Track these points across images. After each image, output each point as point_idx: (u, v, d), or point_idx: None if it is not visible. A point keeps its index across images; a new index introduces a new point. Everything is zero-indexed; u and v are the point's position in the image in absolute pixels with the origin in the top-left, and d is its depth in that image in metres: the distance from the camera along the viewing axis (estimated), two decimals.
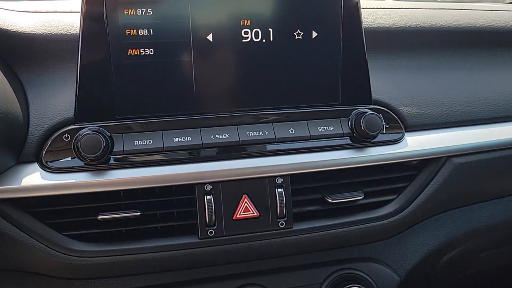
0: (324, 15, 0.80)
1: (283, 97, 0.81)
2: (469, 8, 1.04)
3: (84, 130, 0.72)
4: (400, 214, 0.88)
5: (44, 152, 0.73)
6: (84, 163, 0.73)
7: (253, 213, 0.79)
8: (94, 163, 0.72)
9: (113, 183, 0.74)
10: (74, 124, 0.74)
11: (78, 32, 0.77)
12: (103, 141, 0.71)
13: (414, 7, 1.00)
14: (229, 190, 0.78)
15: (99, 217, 0.74)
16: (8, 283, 0.79)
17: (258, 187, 0.79)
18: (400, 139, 0.86)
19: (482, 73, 0.99)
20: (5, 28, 0.76)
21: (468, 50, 1.00)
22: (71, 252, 0.74)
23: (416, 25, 0.95)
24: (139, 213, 0.75)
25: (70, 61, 0.79)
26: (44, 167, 0.73)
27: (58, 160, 0.73)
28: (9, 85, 0.73)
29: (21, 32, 0.77)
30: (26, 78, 0.78)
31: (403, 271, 0.94)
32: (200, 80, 0.77)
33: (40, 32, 0.78)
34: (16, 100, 0.73)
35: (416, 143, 0.87)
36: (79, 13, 0.75)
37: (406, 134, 0.87)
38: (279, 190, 0.79)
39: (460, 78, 0.96)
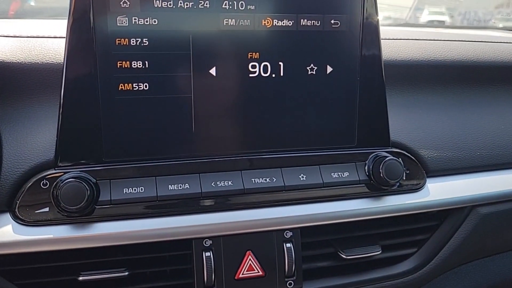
0: (341, 48, 0.72)
1: (293, 139, 0.72)
2: (492, 41, 0.97)
3: (65, 176, 0.63)
4: (421, 271, 0.79)
5: (17, 202, 0.62)
6: (64, 215, 0.62)
7: (258, 272, 0.69)
8: (75, 215, 0.62)
9: (98, 238, 0.64)
10: (54, 168, 0.64)
11: (62, 61, 0.69)
12: (88, 190, 0.61)
13: (433, 38, 0.92)
14: (231, 245, 0.68)
15: (80, 278, 0.64)
16: None
17: (264, 242, 0.69)
18: (421, 187, 0.77)
19: (506, 111, 0.91)
20: None
21: (490, 86, 0.93)
22: None
23: (436, 58, 0.88)
24: (126, 273, 0.65)
25: (52, 95, 0.69)
26: (17, 218, 0.62)
27: (34, 211, 0.62)
28: None
29: None
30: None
31: None
32: (201, 119, 0.68)
33: (18, 60, 0.69)
34: None
35: (438, 191, 0.79)
36: (64, 39, 0.66)
37: (427, 180, 0.78)
38: (288, 245, 0.70)
39: (483, 116, 0.88)
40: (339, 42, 0.71)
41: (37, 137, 0.67)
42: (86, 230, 0.63)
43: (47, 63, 0.69)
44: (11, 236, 0.61)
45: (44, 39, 0.72)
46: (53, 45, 0.71)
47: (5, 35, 0.72)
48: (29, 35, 0.73)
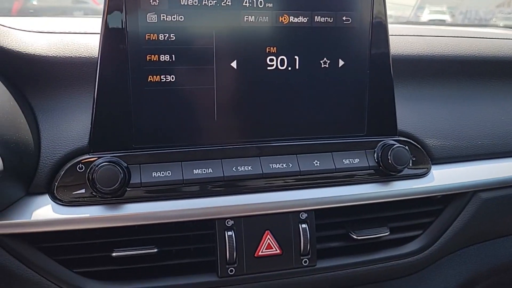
0: (352, 43, 0.77)
1: (307, 127, 0.77)
2: (493, 37, 1.02)
3: (100, 160, 0.68)
4: (426, 251, 0.84)
5: (56, 184, 0.68)
6: (99, 196, 0.68)
7: (276, 250, 0.74)
8: (109, 196, 0.68)
9: (129, 217, 0.69)
10: (88, 153, 0.69)
11: (95, 55, 0.74)
12: (121, 173, 0.67)
13: (438, 35, 0.97)
14: (251, 225, 0.74)
15: (113, 254, 0.69)
16: None
17: (281, 223, 0.75)
18: (426, 173, 0.83)
19: (506, 104, 0.96)
20: (17, 49, 0.72)
21: (491, 80, 0.98)
22: None
23: (440, 53, 0.93)
24: (155, 250, 0.70)
25: (85, 86, 0.74)
26: (55, 199, 0.68)
27: (71, 192, 0.68)
28: (20, 111, 0.69)
29: (33, 54, 0.73)
30: (37, 103, 0.73)
31: None
32: (222, 109, 0.73)
33: (54, 54, 0.74)
34: (28, 127, 0.69)
35: (442, 177, 0.84)
36: (97, 35, 0.72)
37: (432, 166, 0.84)
38: (303, 226, 0.75)
39: (484, 108, 0.94)
40: (350, 37, 0.76)
41: (72, 125, 0.72)
42: (119, 210, 0.69)
43: (80, 57, 0.75)
44: (51, 215, 0.67)
45: (76, 35, 0.78)
46: (85, 41, 0.76)
47: (41, 31, 0.77)
48: (62, 31, 0.78)
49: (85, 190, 0.68)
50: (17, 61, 0.72)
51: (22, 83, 0.73)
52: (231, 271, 0.72)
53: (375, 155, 0.79)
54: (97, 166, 0.67)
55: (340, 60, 0.77)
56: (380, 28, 0.77)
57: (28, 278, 0.67)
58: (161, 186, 0.70)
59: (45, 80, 0.74)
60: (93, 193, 0.68)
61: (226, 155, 0.74)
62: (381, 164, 0.79)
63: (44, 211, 0.67)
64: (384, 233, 0.80)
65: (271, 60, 0.74)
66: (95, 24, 0.79)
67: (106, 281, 0.70)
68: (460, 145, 0.87)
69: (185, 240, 0.73)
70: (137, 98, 0.70)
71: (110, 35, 0.67)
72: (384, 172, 0.79)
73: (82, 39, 0.77)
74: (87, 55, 0.75)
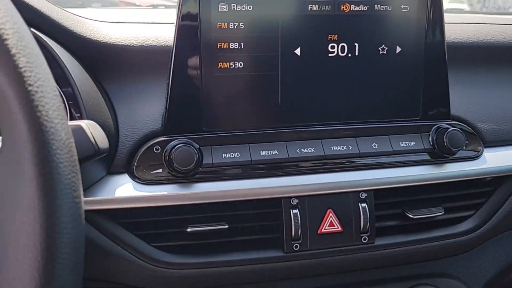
0: (409, 30, 0.80)
1: (365, 112, 0.81)
2: None
3: (175, 142, 0.73)
4: (477, 231, 0.87)
5: (135, 164, 0.73)
6: (174, 176, 0.73)
7: (338, 228, 0.78)
8: (184, 175, 0.72)
9: (203, 196, 0.74)
10: (163, 135, 0.74)
11: (165, 44, 0.79)
12: (196, 154, 0.71)
13: (492, 22, 1.00)
14: (315, 204, 0.78)
15: (188, 229, 0.74)
16: None
17: (342, 202, 0.79)
18: (479, 155, 0.86)
19: None
20: (94, 39, 0.77)
21: None
22: (159, 264, 0.74)
23: (489, 40, 0.95)
24: (226, 226, 0.75)
25: (156, 73, 0.79)
26: (134, 178, 0.73)
27: (149, 171, 0.73)
28: (101, 96, 0.74)
29: (109, 43, 0.78)
30: (113, 89, 0.78)
31: (477, 286, 0.94)
32: (286, 93, 0.77)
33: (128, 43, 0.78)
34: (108, 111, 0.74)
35: (494, 159, 0.87)
36: (169, 25, 0.76)
37: (484, 149, 0.87)
38: (363, 205, 0.79)
39: None
40: (408, 24, 0.80)
41: (145, 110, 0.77)
42: (193, 189, 0.73)
43: (151, 46, 0.79)
44: (131, 192, 0.72)
45: (149, 25, 0.82)
46: (155, 30, 0.81)
47: (116, 21, 0.82)
48: (136, 22, 0.83)
49: (162, 170, 0.73)
50: (94, 50, 0.77)
51: (97, 70, 0.78)
52: (296, 247, 0.77)
53: (430, 138, 0.82)
54: (173, 147, 0.72)
55: (397, 46, 0.80)
56: (436, 15, 0.80)
57: (111, 251, 0.73)
58: (231, 166, 0.75)
59: (118, 68, 0.79)
60: (169, 172, 0.73)
61: (290, 137, 0.78)
62: (436, 146, 0.82)
63: (125, 189, 0.72)
64: (439, 213, 0.83)
65: (332, 47, 0.78)
66: (163, 14, 0.83)
67: (180, 255, 0.75)
68: (510, 129, 0.89)
69: (252, 217, 0.77)
70: (208, 84, 0.74)
71: (184, 25, 0.72)
72: (439, 154, 0.82)
73: (154, 29, 0.81)
74: (157, 44, 0.80)
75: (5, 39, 0.36)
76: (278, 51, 0.76)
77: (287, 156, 0.77)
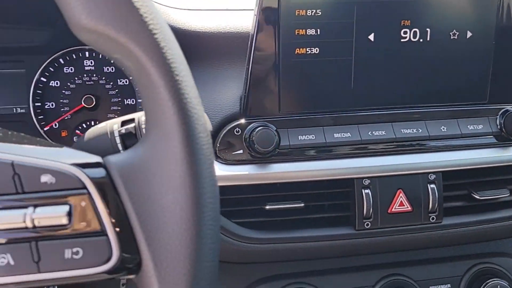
0: (480, 15, 0.81)
1: (434, 95, 0.83)
2: None
3: (254, 124, 0.77)
4: None
5: (217, 145, 0.77)
6: (254, 156, 0.77)
7: (407, 207, 0.81)
8: (263, 156, 0.77)
9: (280, 176, 0.78)
10: (243, 118, 0.78)
11: (242, 30, 0.83)
12: (275, 136, 0.75)
13: None
14: (386, 185, 0.81)
15: (267, 207, 0.78)
16: None
17: (412, 183, 0.82)
18: None
19: None
20: (175, 26, 0.81)
21: None
22: (241, 239, 0.79)
23: None
24: (302, 204, 0.79)
25: (234, 59, 0.83)
26: (217, 158, 0.77)
27: (231, 152, 0.77)
28: None
29: (189, 29, 0.82)
30: (193, 74, 0.82)
31: None
32: (358, 78, 0.80)
33: (207, 29, 0.82)
34: None
35: None
36: (240, 11, 0.79)
37: None
38: (432, 186, 0.82)
39: None
40: (479, 9, 0.81)
41: (223, 94, 0.81)
42: (271, 169, 0.78)
43: (231, 32, 0.83)
44: (217, 172, 0.76)
45: (228, 11, 0.86)
46: (236, 17, 0.84)
47: (195, 8, 0.85)
48: (215, 8, 0.86)
49: (243, 151, 0.77)
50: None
51: None
52: (367, 224, 0.81)
53: (497, 121, 0.84)
54: (253, 129, 0.76)
55: (468, 31, 0.82)
56: (507, 0, 0.81)
57: None
58: (307, 148, 0.79)
59: (199, 53, 0.83)
60: (249, 153, 0.77)
61: (362, 120, 0.81)
62: (503, 130, 0.84)
63: None
64: (504, 195, 0.85)
65: (405, 32, 0.80)
66: (237, 1, 0.86)
67: (260, 231, 0.80)
68: None
69: (326, 196, 0.81)
70: (285, 69, 0.78)
71: (265, 12, 0.75)
72: (506, 137, 0.84)
73: (233, 15, 0.85)
74: (234, 31, 0.83)
75: (154, 34, 0.40)
76: (353, 37, 0.79)
77: (360, 139, 0.80)
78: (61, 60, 0.93)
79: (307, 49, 0.78)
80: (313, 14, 0.76)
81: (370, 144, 0.80)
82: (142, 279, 0.39)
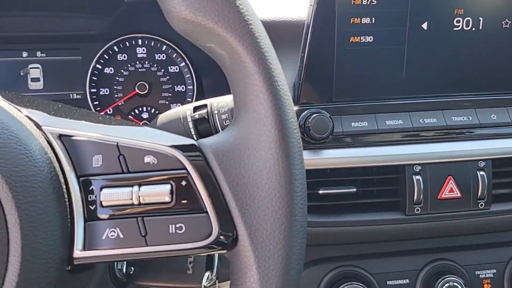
0: None
1: (484, 84, 0.84)
2: None
3: (309, 111, 0.79)
4: None
5: None
6: (307, 142, 0.79)
7: (457, 193, 0.83)
8: (317, 142, 0.79)
9: (334, 161, 0.80)
10: (297, 105, 0.80)
11: (297, 19, 0.84)
12: (331, 122, 0.77)
13: None
14: (436, 171, 0.82)
15: (320, 192, 0.81)
16: None
17: (462, 170, 0.83)
18: None
19: None
20: None
21: None
22: None
23: None
24: (354, 190, 0.81)
25: (287, 46, 0.85)
26: None
27: None
28: None
29: None
30: None
31: None
32: (410, 66, 0.82)
33: (262, 17, 0.84)
34: None
35: None
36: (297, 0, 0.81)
37: None
38: (481, 173, 0.83)
39: None
40: None
41: None
42: (325, 154, 0.80)
43: (284, 21, 0.85)
44: None
45: (278, 1, 0.88)
46: (286, 6, 0.86)
47: None
48: None
49: None
50: None
51: None
52: (417, 210, 0.82)
53: None
54: (309, 116, 0.78)
55: None
56: None
57: None
58: (359, 134, 0.81)
59: None
60: (304, 139, 0.79)
61: (413, 108, 0.82)
62: None
63: None
64: None
65: (458, 21, 0.81)
66: None
67: (313, 214, 0.82)
68: None
69: (377, 182, 0.83)
70: (340, 57, 0.80)
71: (322, 2, 0.76)
72: None
73: (280, 5, 0.87)
74: (286, 20, 0.85)
75: (250, 24, 0.43)
76: (406, 26, 0.80)
77: (411, 126, 0.82)
78: (115, 47, 0.96)
79: (362, 37, 0.79)
80: (368, 2, 0.78)
81: (421, 131, 0.82)
82: (237, 254, 0.42)
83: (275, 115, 0.42)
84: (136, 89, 0.96)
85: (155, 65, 0.98)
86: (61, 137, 0.43)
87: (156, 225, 0.41)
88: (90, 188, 0.42)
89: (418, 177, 0.82)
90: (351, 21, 0.78)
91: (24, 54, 0.95)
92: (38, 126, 0.43)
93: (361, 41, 0.79)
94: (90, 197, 0.42)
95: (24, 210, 0.37)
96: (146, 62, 0.98)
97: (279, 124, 0.42)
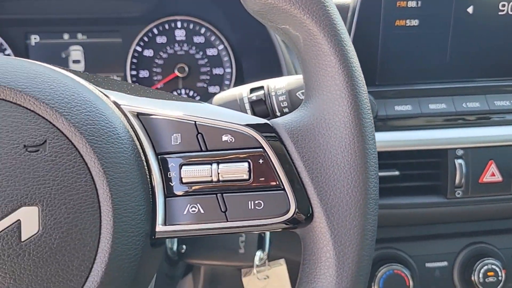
0: None
1: None
2: None
3: None
4: None
5: None
6: None
7: (498, 178, 0.84)
8: None
9: (377, 145, 0.80)
10: None
11: (343, 2, 0.84)
12: (375, 105, 0.78)
13: None
14: (478, 155, 0.83)
15: None
16: None
17: (503, 154, 0.84)
18: None
19: None
20: None
21: None
22: None
23: None
24: (397, 173, 0.82)
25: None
26: None
27: None
28: None
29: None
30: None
31: None
32: (454, 50, 0.82)
33: None
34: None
35: None
36: None
37: None
38: None
39: None
40: None
41: None
42: None
43: None
44: None
45: None
46: None
47: None
48: None
49: None
50: None
51: None
52: (458, 194, 0.83)
53: None
54: None
55: None
56: None
57: None
58: (402, 118, 0.81)
59: None
60: None
61: (457, 92, 0.83)
62: None
63: None
64: None
65: (503, 5, 0.81)
66: None
67: None
68: None
69: (419, 165, 0.84)
70: (384, 41, 0.80)
71: None
72: None
73: None
74: (335, 2, 0.85)
75: (326, 6, 0.43)
76: (452, 9, 0.80)
77: (454, 110, 0.82)
78: (154, 30, 0.97)
79: (407, 21, 0.80)
80: None
81: (464, 115, 0.82)
82: (312, 230, 0.43)
83: (351, 96, 0.43)
84: (176, 71, 0.97)
85: (193, 48, 0.99)
86: (139, 116, 0.44)
87: (235, 201, 0.42)
88: (169, 165, 0.43)
89: (460, 161, 0.82)
90: (397, 4, 0.78)
91: (66, 36, 0.96)
92: (117, 105, 0.44)
93: (407, 24, 0.80)
94: (169, 174, 0.43)
95: (115, 185, 0.39)
96: (185, 45, 0.99)
97: (354, 105, 0.43)
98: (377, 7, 0.78)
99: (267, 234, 0.77)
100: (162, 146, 0.43)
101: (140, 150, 0.42)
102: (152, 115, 0.44)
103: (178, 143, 0.43)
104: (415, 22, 0.80)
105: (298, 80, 0.61)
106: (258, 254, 0.75)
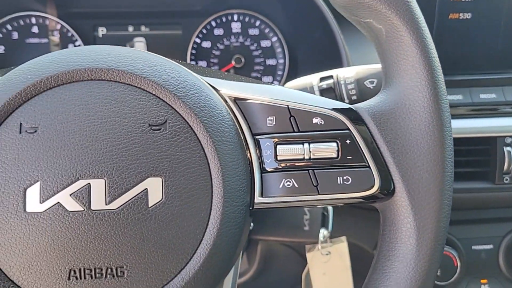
0: None
1: None
2: None
3: None
4: None
5: None
6: None
7: None
8: None
9: None
10: None
11: None
12: None
13: None
14: None
15: None
16: None
17: None
18: None
19: None
20: None
21: None
22: None
23: None
24: None
25: None
26: None
27: None
28: None
29: None
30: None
31: None
32: (506, 39, 0.85)
33: None
34: None
35: None
36: None
37: None
38: None
39: None
40: None
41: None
42: None
43: None
44: None
45: None
46: None
47: None
48: None
49: None
50: None
51: None
52: (506, 180, 0.87)
53: None
54: None
55: None
56: None
57: None
58: (453, 107, 0.85)
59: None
60: None
61: (507, 82, 0.86)
62: None
63: None
64: None
65: None
66: None
67: None
68: None
69: (468, 152, 0.88)
70: (438, 33, 0.84)
71: None
72: None
73: None
74: None
75: (409, 1, 0.48)
76: (503, 2, 0.83)
77: (504, 99, 0.86)
78: (213, 23, 1.03)
79: (460, 14, 0.83)
80: None
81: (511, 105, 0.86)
82: (393, 204, 0.48)
83: (431, 84, 0.48)
84: (233, 61, 1.02)
85: (248, 40, 1.04)
86: (236, 100, 0.49)
87: (326, 176, 0.48)
88: (265, 145, 0.48)
89: (509, 148, 0.86)
90: None
91: (130, 29, 1.02)
92: (217, 91, 0.49)
93: (460, 17, 0.83)
94: (266, 152, 0.48)
95: (224, 160, 0.44)
96: (240, 37, 1.04)
97: (434, 91, 0.48)
98: (433, 1, 0.82)
99: (330, 213, 0.82)
100: (258, 127, 0.49)
101: (240, 131, 0.48)
102: (248, 99, 0.49)
103: (273, 124, 0.49)
104: (468, 15, 0.83)
105: (366, 69, 0.66)
106: (322, 231, 0.80)
